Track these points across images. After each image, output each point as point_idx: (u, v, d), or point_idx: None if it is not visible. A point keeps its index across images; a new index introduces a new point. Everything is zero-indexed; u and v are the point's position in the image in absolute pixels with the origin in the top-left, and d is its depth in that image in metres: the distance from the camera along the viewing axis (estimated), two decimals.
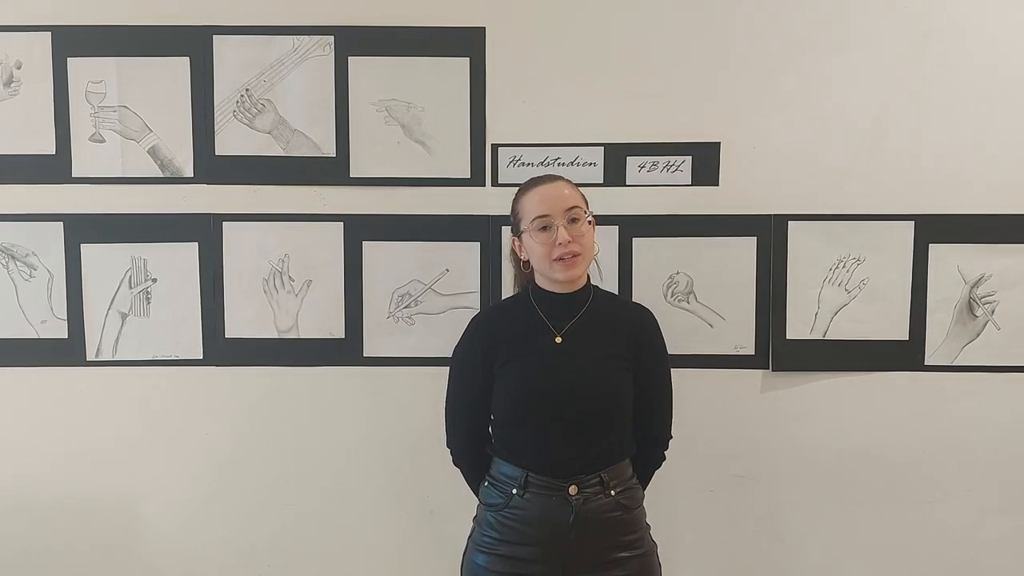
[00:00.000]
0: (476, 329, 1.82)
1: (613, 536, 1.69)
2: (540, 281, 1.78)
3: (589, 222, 1.73)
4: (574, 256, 1.68)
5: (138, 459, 2.27)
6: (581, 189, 1.80)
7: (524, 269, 1.82)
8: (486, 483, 1.78)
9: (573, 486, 1.67)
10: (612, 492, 1.69)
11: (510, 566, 1.69)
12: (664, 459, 1.88)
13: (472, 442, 1.82)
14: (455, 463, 1.88)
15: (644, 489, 1.84)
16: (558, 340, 1.73)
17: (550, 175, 1.80)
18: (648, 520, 1.81)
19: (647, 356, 1.78)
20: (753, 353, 2.23)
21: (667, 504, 2.23)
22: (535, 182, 1.77)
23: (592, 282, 1.84)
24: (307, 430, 2.27)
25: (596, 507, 1.68)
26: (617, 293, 2.16)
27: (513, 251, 1.83)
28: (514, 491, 1.70)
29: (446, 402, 1.86)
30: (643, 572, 1.72)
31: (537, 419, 1.70)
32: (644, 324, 1.81)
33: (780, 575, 2.29)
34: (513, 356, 1.74)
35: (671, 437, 1.87)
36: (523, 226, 1.74)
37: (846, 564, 2.28)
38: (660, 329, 1.83)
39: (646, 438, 1.81)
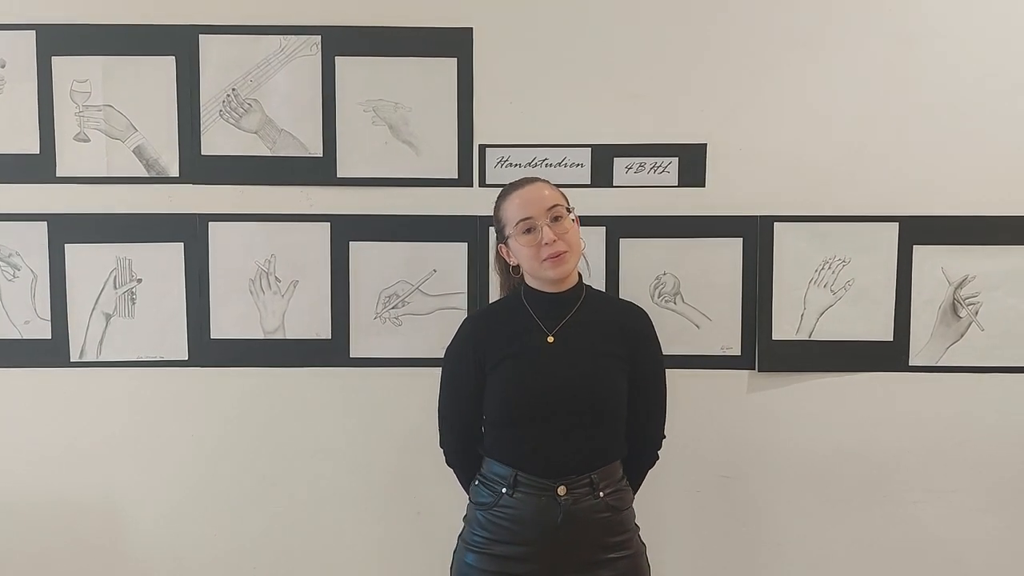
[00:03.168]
0: (469, 329, 1.82)
1: (601, 537, 1.69)
2: (531, 281, 1.78)
3: (572, 220, 1.73)
4: (561, 254, 1.68)
5: (123, 460, 2.26)
6: (566, 189, 1.79)
7: (514, 274, 1.81)
8: (477, 482, 1.78)
9: (562, 486, 1.67)
10: (601, 493, 1.69)
11: (499, 565, 1.69)
12: (657, 459, 1.87)
13: (465, 442, 1.81)
14: (448, 463, 1.87)
15: (636, 490, 1.85)
16: (550, 340, 1.72)
17: (527, 178, 1.78)
18: (636, 521, 1.80)
19: (643, 356, 1.77)
20: (739, 354, 2.24)
21: (654, 504, 2.23)
22: (514, 186, 1.77)
23: (585, 281, 1.83)
24: (293, 431, 2.26)
25: (585, 508, 1.67)
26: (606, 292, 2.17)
27: (499, 259, 1.83)
28: (504, 490, 1.70)
29: (439, 402, 1.85)
30: (631, 573, 1.72)
31: (528, 419, 1.69)
32: (640, 324, 1.81)
33: (766, 575, 2.30)
34: (505, 356, 1.73)
35: (664, 437, 1.86)
36: (508, 231, 1.74)
37: (831, 564, 2.29)
38: (655, 329, 1.82)
39: (639, 438, 1.80)
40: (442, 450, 1.87)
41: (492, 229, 2.15)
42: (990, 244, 2.21)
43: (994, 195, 2.20)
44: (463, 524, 1.80)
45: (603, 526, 1.69)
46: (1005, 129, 2.20)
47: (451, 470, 1.88)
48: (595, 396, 1.70)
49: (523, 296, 1.78)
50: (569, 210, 1.73)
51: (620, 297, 1.84)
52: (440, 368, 1.86)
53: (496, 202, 1.79)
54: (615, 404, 1.73)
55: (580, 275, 1.81)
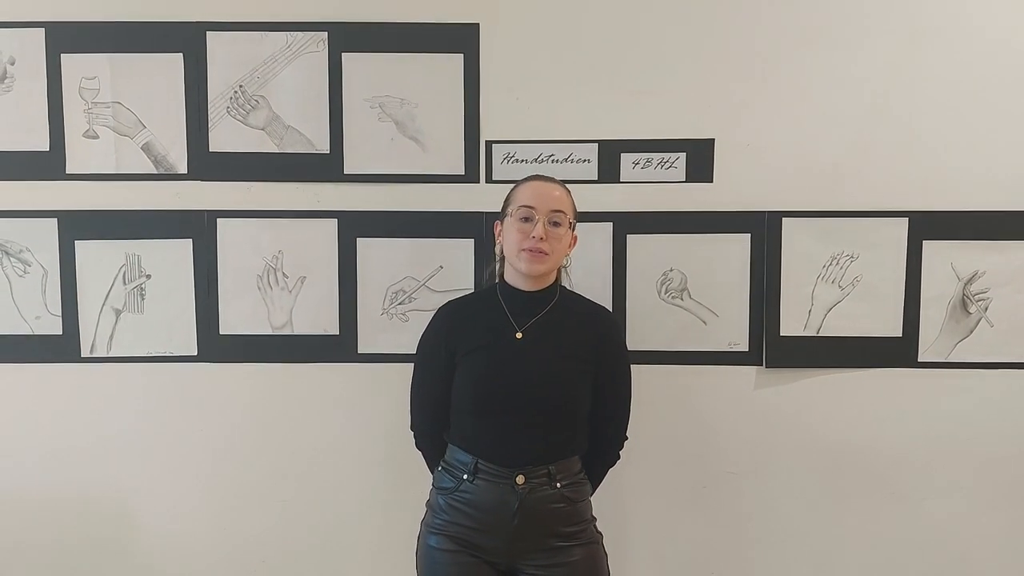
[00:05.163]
0: (441, 319, 1.88)
1: (555, 526, 1.75)
2: (508, 277, 1.84)
3: (571, 228, 1.79)
4: (541, 254, 1.73)
5: (132, 456, 2.28)
6: (573, 185, 1.84)
7: (498, 255, 1.87)
8: (440, 467, 1.84)
9: (520, 476, 1.73)
10: (558, 484, 1.75)
11: (460, 547, 1.76)
12: (619, 458, 1.92)
13: (433, 427, 1.87)
14: (417, 446, 1.93)
15: (597, 486, 1.90)
16: (518, 336, 1.78)
17: (550, 177, 1.85)
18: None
19: (608, 358, 1.83)
20: (747, 350, 2.23)
21: (660, 500, 2.25)
22: (535, 177, 1.84)
23: (562, 283, 1.87)
24: (301, 427, 2.28)
25: (541, 497, 1.73)
26: (610, 290, 2.18)
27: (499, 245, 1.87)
28: (464, 476, 1.76)
29: (411, 386, 1.90)
30: (586, 560, 1.77)
31: (490, 411, 1.75)
32: (605, 327, 1.86)
33: (772, 571, 2.30)
34: (474, 348, 1.79)
35: (626, 439, 1.91)
36: (508, 211, 1.80)
37: (838, 560, 2.29)
38: (622, 331, 1.89)
39: (601, 438, 1.86)
40: (412, 433, 1.92)
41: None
42: (1000, 239, 2.19)
43: (1004, 190, 2.19)
44: (426, 509, 1.85)
45: (558, 516, 1.75)
46: (1014, 124, 2.18)
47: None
48: (555, 394, 1.75)
49: (499, 290, 1.84)
50: (571, 223, 1.79)
51: (592, 301, 1.87)
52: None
53: (512, 187, 1.84)
54: (574, 403, 1.78)
55: (558, 277, 1.86)
